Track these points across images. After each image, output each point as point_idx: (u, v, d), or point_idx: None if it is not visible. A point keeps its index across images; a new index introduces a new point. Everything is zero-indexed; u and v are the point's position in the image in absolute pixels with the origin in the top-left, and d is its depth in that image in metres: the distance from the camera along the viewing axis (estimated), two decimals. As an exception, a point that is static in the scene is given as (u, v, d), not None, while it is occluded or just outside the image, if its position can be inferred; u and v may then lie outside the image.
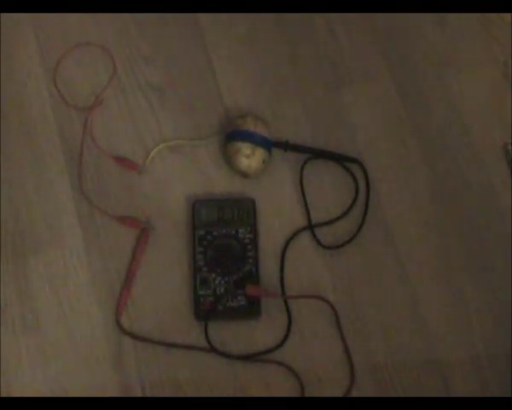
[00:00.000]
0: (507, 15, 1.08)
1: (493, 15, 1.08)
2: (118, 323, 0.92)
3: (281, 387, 0.90)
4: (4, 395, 0.90)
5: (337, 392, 0.90)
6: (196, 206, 0.96)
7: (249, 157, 0.96)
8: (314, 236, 0.96)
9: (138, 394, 0.90)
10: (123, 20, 1.08)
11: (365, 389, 0.90)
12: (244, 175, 0.98)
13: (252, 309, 0.92)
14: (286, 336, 0.92)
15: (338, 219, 0.98)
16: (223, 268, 0.93)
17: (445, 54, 1.07)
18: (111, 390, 0.90)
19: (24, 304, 0.94)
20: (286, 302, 0.93)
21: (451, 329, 0.93)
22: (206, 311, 0.92)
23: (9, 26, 1.08)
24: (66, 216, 0.98)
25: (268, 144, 0.97)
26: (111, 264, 0.96)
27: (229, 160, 0.98)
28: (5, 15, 1.08)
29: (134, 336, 0.92)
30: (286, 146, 1.00)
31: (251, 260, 0.93)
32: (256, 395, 0.90)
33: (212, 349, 0.91)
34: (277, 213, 0.98)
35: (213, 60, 1.06)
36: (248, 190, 0.99)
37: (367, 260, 0.96)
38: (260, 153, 0.96)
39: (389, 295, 0.94)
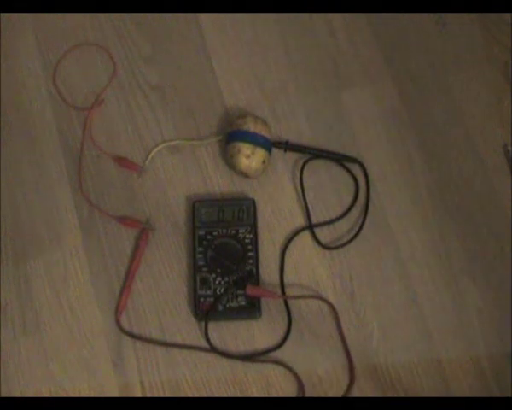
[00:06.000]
0: (507, 15, 1.08)
1: (493, 15, 1.08)
2: (118, 323, 0.93)
3: (281, 387, 0.90)
4: (4, 395, 0.90)
5: (337, 392, 0.90)
6: (196, 206, 0.96)
7: (249, 157, 0.96)
8: (314, 236, 0.96)
9: (138, 394, 0.90)
10: (123, 20, 1.08)
11: (365, 389, 0.90)
12: (244, 175, 0.98)
13: (252, 309, 0.92)
14: (286, 337, 0.92)
15: (338, 219, 0.98)
16: (223, 268, 0.93)
17: (445, 54, 1.07)
18: (111, 390, 0.90)
19: (24, 304, 0.94)
20: (286, 302, 0.93)
21: (451, 329, 0.93)
22: (206, 311, 0.91)
23: (9, 26, 1.08)
24: (66, 216, 0.98)
25: (268, 144, 0.97)
26: (111, 264, 0.96)
27: (229, 160, 0.98)
28: (5, 15, 1.08)
29: (134, 336, 0.92)
30: (286, 146, 1.00)
31: (251, 260, 0.93)
32: (256, 395, 0.90)
33: (212, 349, 0.91)
34: (277, 213, 0.98)
35: (213, 60, 1.06)
36: (248, 190, 0.99)
37: (367, 260, 0.96)
38: (260, 153, 0.96)
39: (389, 295, 0.94)
